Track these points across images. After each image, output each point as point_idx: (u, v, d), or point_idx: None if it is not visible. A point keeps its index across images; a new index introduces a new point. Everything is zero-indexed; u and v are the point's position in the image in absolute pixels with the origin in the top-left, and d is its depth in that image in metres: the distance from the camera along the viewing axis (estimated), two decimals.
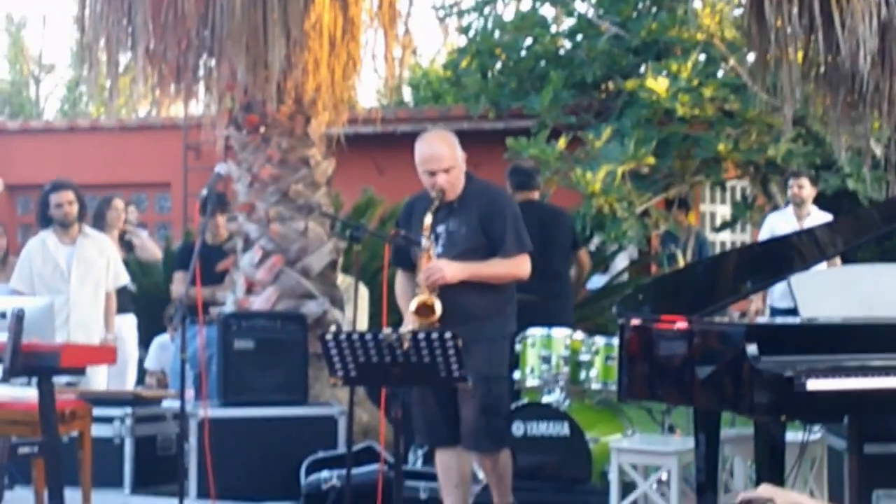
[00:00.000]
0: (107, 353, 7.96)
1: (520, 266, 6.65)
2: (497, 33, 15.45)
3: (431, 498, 7.43)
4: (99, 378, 9.26)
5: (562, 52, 15.29)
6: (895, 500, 5.97)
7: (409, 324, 6.45)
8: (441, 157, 6.57)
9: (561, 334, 8.00)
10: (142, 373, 11.31)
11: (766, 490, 4.13)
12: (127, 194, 15.45)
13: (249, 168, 9.28)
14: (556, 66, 14.73)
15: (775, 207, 12.62)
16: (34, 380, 6.82)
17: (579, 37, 15.20)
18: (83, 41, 9.11)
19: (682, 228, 13.71)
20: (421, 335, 5.65)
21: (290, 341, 8.45)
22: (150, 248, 11.69)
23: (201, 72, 9.12)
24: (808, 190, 10.56)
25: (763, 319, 9.07)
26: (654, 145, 12.73)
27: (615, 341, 7.13)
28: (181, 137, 17.04)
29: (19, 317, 6.50)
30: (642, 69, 14.09)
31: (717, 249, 15.47)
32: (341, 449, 7.97)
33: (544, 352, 7.96)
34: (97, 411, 7.92)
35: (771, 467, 5.51)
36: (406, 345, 5.64)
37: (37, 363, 6.63)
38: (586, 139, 12.87)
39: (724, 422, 6.43)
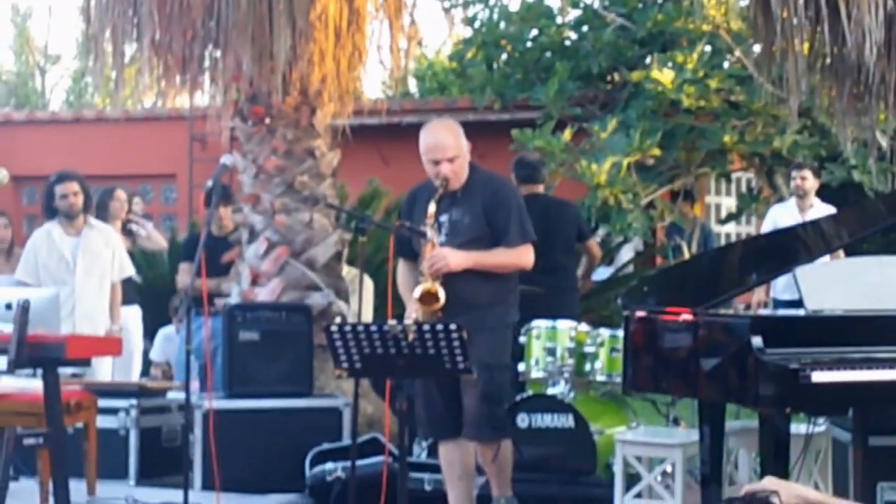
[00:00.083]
0: (112, 345, 7.97)
1: (522, 256, 6.67)
2: (503, 24, 15.44)
3: (436, 490, 7.43)
4: (104, 369, 9.27)
5: (567, 43, 15.28)
6: None
7: (413, 312, 6.47)
8: (445, 146, 6.58)
9: (566, 326, 8.00)
10: (147, 364, 11.33)
11: (770, 482, 4.13)
12: (132, 185, 15.50)
13: (255, 159, 9.28)
14: (562, 57, 14.71)
15: (780, 199, 12.61)
16: (39, 371, 6.83)
17: (585, 28, 15.19)
18: (89, 32, 9.10)
19: (688, 220, 13.69)
20: (426, 327, 5.65)
21: (295, 333, 8.44)
22: (156, 239, 11.69)
23: (207, 63, 9.10)
24: (810, 182, 10.56)
25: (766, 311, 9.05)
26: (660, 137, 12.72)
27: (620, 333, 7.13)
28: (186, 128, 17.06)
29: (25, 308, 6.50)
30: (648, 60, 14.09)
31: (723, 241, 15.46)
32: (346, 441, 7.96)
33: (549, 344, 7.96)
34: (102, 402, 7.94)
35: (775, 460, 5.51)
36: (411, 336, 5.64)
37: (42, 354, 6.64)
38: (592, 130, 12.86)
39: (729, 414, 6.43)
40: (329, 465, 7.76)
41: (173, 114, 15.93)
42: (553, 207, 8.80)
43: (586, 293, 11.57)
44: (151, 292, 11.68)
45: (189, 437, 7.30)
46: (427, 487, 7.58)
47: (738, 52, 13.16)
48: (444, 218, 6.60)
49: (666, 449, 6.85)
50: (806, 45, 8.56)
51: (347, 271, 9.49)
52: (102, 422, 7.94)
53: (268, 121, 9.25)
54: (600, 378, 7.93)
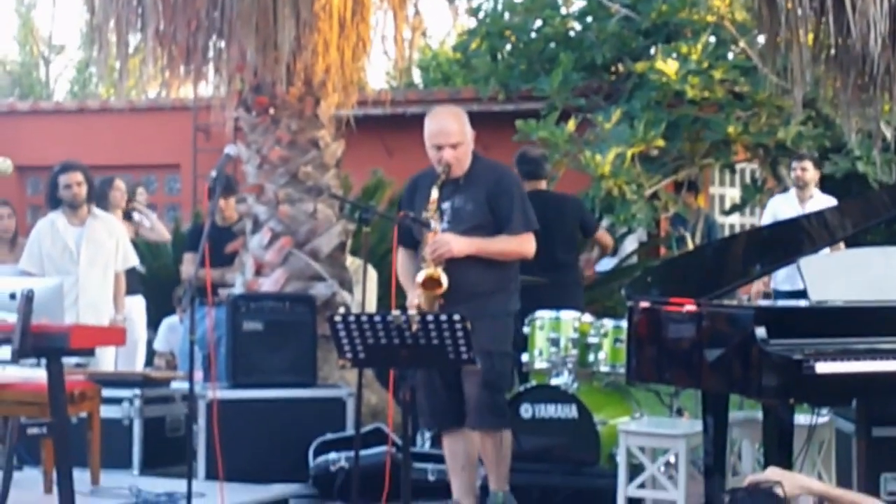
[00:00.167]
0: (116, 335, 7.97)
1: (524, 244, 6.70)
2: (507, 15, 15.40)
3: (439, 480, 7.45)
4: (108, 359, 9.28)
5: (572, 33, 15.26)
6: None
7: (415, 298, 6.47)
8: (449, 132, 6.60)
9: (569, 317, 8.00)
10: (151, 354, 11.34)
11: (773, 473, 4.14)
12: (136, 175, 15.54)
13: (259, 150, 9.28)
14: (566, 47, 14.70)
15: (785, 190, 12.60)
16: (43, 361, 6.83)
17: (589, 18, 15.17)
18: (93, 22, 9.10)
19: (692, 211, 13.69)
20: (430, 317, 5.66)
21: (298, 323, 8.45)
22: (160, 230, 11.70)
23: (211, 53, 9.10)
24: (811, 173, 10.55)
25: (765, 302, 9.05)
26: (664, 128, 12.71)
27: (624, 324, 7.13)
28: (191, 119, 17.04)
29: (29, 298, 6.51)
30: (652, 51, 14.06)
31: (727, 232, 15.43)
32: (349, 431, 7.97)
33: (553, 334, 7.96)
34: (106, 392, 7.95)
35: (779, 450, 5.51)
36: (415, 327, 5.64)
37: (46, 344, 6.64)
38: (596, 121, 12.86)
39: (733, 405, 6.43)
40: (332, 455, 7.78)
41: (177, 104, 15.92)
42: (554, 203, 8.76)
43: (590, 284, 11.57)
44: (155, 282, 11.69)
45: (193, 427, 7.31)
46: (430, 478, 7.60)
47: (742, 43, 13.15)
48: (446, 205, 6.62)
49: (669, 439, 6.85)
50: (811, 36, 8.55)
51: (351, 261, 9.49)
52: (106, 411, 7.94)
53: (272, 111, 9.25)
54: (604, 368, 7.93)
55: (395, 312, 5.72)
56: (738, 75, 13.15)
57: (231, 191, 9.71)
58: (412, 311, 5.97)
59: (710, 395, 6.12)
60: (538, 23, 15.16)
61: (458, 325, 5.62)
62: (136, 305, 10.25)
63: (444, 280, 6.42)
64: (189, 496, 6.41)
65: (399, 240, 6.84)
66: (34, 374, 7.23)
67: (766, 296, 10.22)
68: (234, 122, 9.70)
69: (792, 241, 6.46)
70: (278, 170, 9.18)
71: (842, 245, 8.47)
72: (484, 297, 6.55)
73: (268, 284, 8.96)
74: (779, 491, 3.97)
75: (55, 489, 6.92)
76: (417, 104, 15.08)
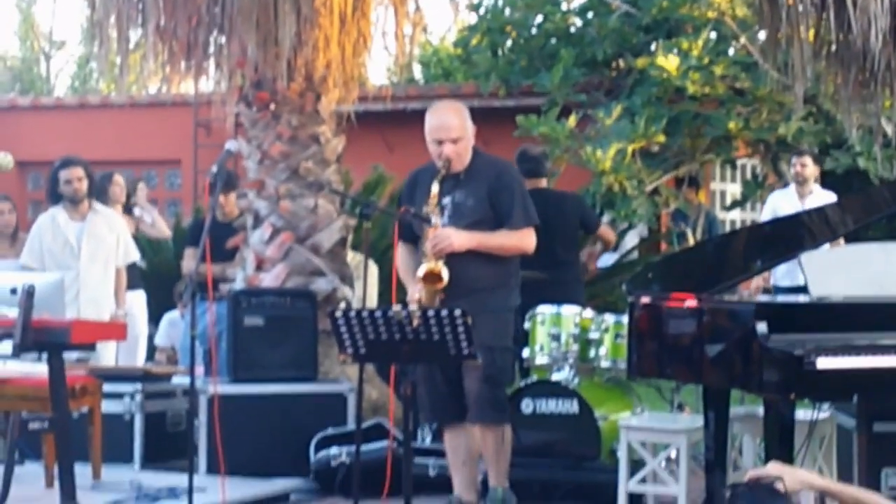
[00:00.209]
0: (117, 329, 7.98)
1: (525, 239, 6.71)
2: (508, 11, 15.43)
3: (440, 475, 7.45)
4: (109, 354, 9.29)
5: (572, 29, 15.27)
6: None
7: (416, 292, 6.48)
8: (450, 126, 6.61)
9: (570, 312, 7.99)
10: (151, 349, 11.34)
11: (774, 468, 4.14)
12: (137, 171, 15.54)
13: (259, 145, 9.27)
14: (567, 43, 14.71)
15: (785, 186, 12.61)
16: (44, 355, 6.84)
17: (590, 14, 15.18)
18: (94, 17, 9.09)
19: (693, 207, 13.70)
20: (431, 312, 5.66)
21: (299, 318, 8.45)
22: (160, 227, 11.70)
23: (212, 48, 9.10)
24: (810, 168, 10.56)
25: (764, 297, 9.04)
26: (665, 123, 12.72)
27: (625, 319, 7.13)
28: (191, 114, 17.05)
29: (30, 293, 6.52)
30: (653, 47, 14.07)
31: (728, 228, 15.45)
32: (351, 426, 7.98)
33: (553, 329, 7.96)
34: (107, 387, 7.96)
35: (780, 445, 5.52)
36: (416, 322, 5.65)
37: (47, 339, 6.65)
38: (596, 117, 12.87)
39: (734, 400, 6.43)
40: (334, 450, 7.78)
41: (178, 99, 15.91)
42: (554, 202, 8.73)
43: (591, 279, 11.57)
44: (156, 277, 11.69)
45: (194, 422, 7.30)
46: (431, 472, 7.60)
47: (743, 39, 13.15)
48: (446, 200, 6.62)
49: (670, 435, 6.85)
50: (811, 32, 8.55)
51: (352, 257, 9.49)
52: (107, 406, 7.95)
53: (272, 107, 9.24)
54: (605, 364, 7.93)
55: (396, 307, 5.73)
56: (739, 71, 13.16)
57: (232, 186, 9.72)
58: (413, 307, 5.97)
59: (711, 391, 6.12)
60: (539, 18, 15.18)
61: (459, 320, 5.62)
62: (137, 300, 10.25)
63: (445, 274, 6.43)
64: (190, 491, 6.41)
65: (399, 235, 6.85)
66: (35, 368, 7.24)
67: (766, 291, 10.22)
68: (234, 117, 9.69)
69: (793, 236, 6.46)
70: (279, 165, 9.18)
71: (841, 241, 8.48)
72: (484, 292, 6.55)
73: (269, 280, 8.96)
74: (780, 486, 3.97)
75: (56, 484, 6.93)
76: (418, 100, 15.08)
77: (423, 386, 6.71)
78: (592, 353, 7.94)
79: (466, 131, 6.64)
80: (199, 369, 8.42)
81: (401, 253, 6.90)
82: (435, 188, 6.54)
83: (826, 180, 10.84)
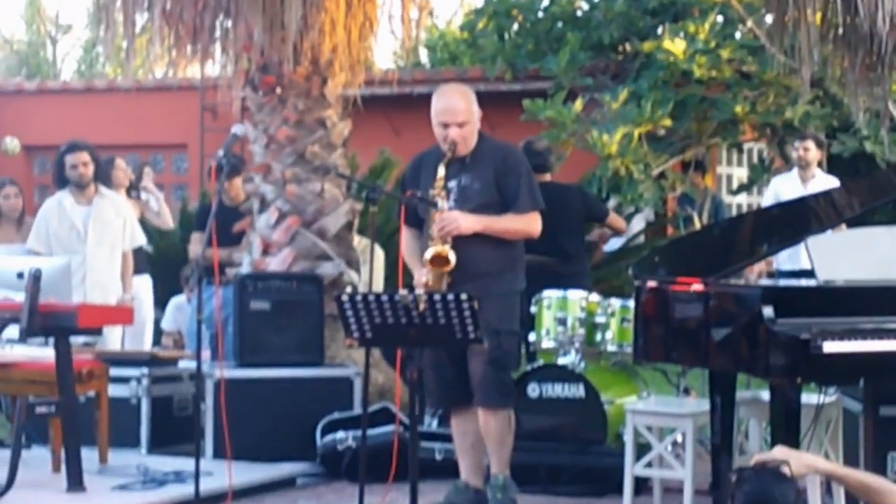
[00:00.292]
0: (124, 314, 8.00)
1: (531, 222, 6.70)
2: None
3: (446, 459, 7.46)
4: (115, 338, 9.30)
5: (579, 13, 15.25)
6: None
7: (422, 276, 6.47)
8: (456, 110, 6.59)
9: (577, 296, 7.99)
10: (158, 333, 11.35)
11: (781, 452, 4.14)
12: (143, 155, 15.55)
13: (266, 129, 9.27)
14: (574, 27, 14.69)
15: (789, 170, 12.60)
16: (51, 340, 6.85)
17: None
18: (100, 1, 9.08)
19: (699, 191, 13.69)
20: (437, 297, 5.66)
21: (306, 302, 8.45)
22: (165, 217, 11.69)
23: (218, 32, 9.09)
24: (813, 153, 10.54)
25: (768, 281, 9.04)
26: (671, 107, 12.71)
27: (631, 303, 7.13)
28: (198, 98, 17.05)
29: (36, 277, 6.53)
30: (659, 31, 14.07)
31: (734, 212, 15.44)
32: (357, 410, 7.98)
33: (560, 314, 7.96)
34: (114, 371, 7.96)
35: (786, 429, 5.52)
36: (422, 306, 5.65)
37: (54, 323, 6.67)
38: (603, 101, 12.86)
39: (740, 384, 6.43)
40: (340, 435, 7.79)
41: (184, 83, 15.91)
42: (558, 195, 8.69)
43: (597, 263, 11.58)
44: (163, 261, 11.70)
45: (200, 406, 7.31)
46: (438, 457, 7.61)
47: (749, 23, 13.12)
48: (452, 183, 6.61)
49: (676, 419, 6.85)
50: (818, 15, 8.53)
51: (358, 241, 9.49)
52: (114, 390, 7.96)
53: (279, 90, 9.24)
54: (611, 348, 7.93)
55: (403, 292, 5.73)
56: (746, 55, 13.14)
57: (238, 170, 9.72)
58: (419, 291, 5.97)
59: (717, 375, 6.12)
60: (545, 2, 15.16)
61: (466, 304, 5.62)
62: (144, 285, 10.25)
63: (453, 257, 6.42)
64: (197, 475, 6.42)
65: (405, 219, 6.84)
66: (42, 353, 7.26)
67: (770, 275, 10.22)
68: (241, 101, 9.68)
69: (799, 220, 6.45)
70: (285, 149, 9.18)
71: (843, 225, 8.47)
72: (491, 276, 6.54)
73: (275, 264, 8.96)
74: (786, 470, 3.97)
75: (63, 468, 6.95)
76: (424, 84, 15.05)
77: (430, 370, 6.70)
78: (599, 337, 7.94)
79: (472, 115, 6.63)
80: (206, 353, 8.42)
81: (406, 237, 6.89)
82: (441, 171, 6.54)
83: (833, 164, 10.83)
